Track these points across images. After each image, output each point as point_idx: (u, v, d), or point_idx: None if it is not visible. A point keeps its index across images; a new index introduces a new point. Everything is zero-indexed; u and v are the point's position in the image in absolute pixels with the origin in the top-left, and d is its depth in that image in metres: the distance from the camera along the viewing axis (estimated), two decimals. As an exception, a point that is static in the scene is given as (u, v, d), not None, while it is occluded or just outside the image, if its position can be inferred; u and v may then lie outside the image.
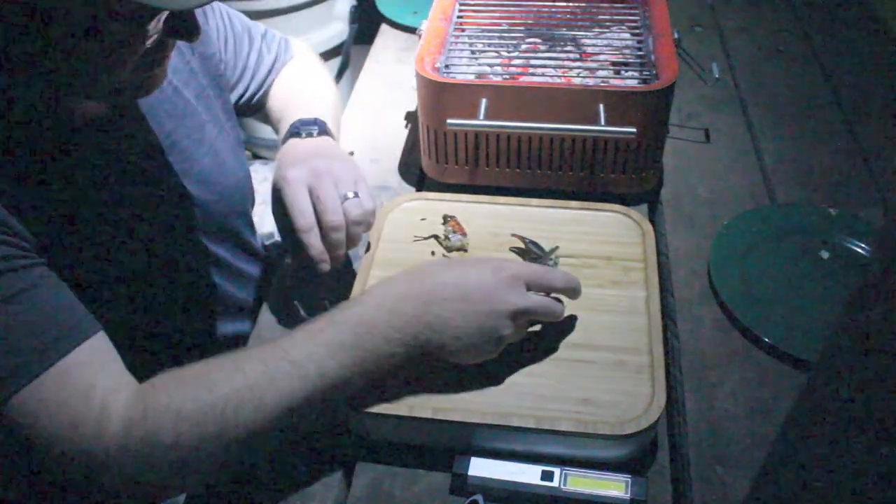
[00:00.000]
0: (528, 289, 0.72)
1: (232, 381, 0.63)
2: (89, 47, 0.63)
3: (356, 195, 0.80)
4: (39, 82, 0.67)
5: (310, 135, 0.88)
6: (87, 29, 0.61)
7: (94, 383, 0.63)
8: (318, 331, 0.66)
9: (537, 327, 0.78)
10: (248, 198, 0.99)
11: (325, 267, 0.79)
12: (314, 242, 0.78)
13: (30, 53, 0.63)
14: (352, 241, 0.81)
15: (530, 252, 0.86)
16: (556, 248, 0.86)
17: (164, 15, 0.65)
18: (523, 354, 0.76)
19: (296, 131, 0.89)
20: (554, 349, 0.77)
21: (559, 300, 0.75)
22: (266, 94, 1.02)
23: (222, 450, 0.63)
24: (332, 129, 0.92)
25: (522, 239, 0.87)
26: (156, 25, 0.65)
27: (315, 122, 0.90)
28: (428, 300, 0.68)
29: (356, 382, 0.67)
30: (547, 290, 0.74)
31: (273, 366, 0.64)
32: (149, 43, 0.65)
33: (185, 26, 0.67)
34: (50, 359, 0.62)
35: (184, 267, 0.87)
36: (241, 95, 0.99)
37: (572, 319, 0.79)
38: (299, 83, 1.03)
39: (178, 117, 0.84)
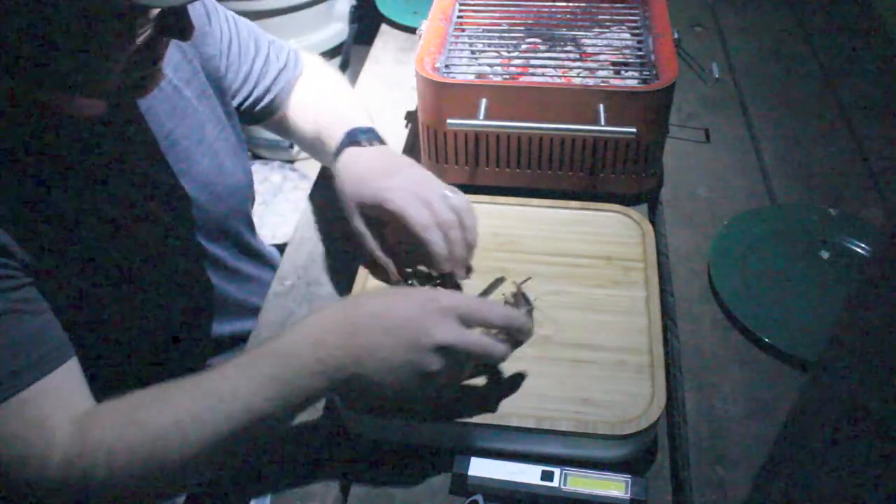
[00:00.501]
0: (464, 323, 0.66)
1: (160, 418, 0.64)
2: (76, 44, 0.62)
3: (452, 192, 0.81)
4: (28, 80, 0.67)
5: (370, 142, 0.87)
6: (74, 25, 0.61)
7: (49, 415, 0.65)
8: (246, 364, 0.66)
9: (478, 379, 0.74)
10: (249, 199, 0.99)
11: (448, 267, 0.78)
12: (437, 239, 0.77)
13: (16, 51, 0.62)
14: (472, 235, 0.81)
15: (515, 300, 0.74)
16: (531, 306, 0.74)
17: (155, 12, 0.64)
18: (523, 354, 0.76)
19: (355, 139, 0.88)
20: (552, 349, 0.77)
21: (512, 341, 0.69)
22: (275, 102, 1.00)
23: (153, 483, 0.65)
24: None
25: (519, 287, 0.76)
26: (144, 23, 0.64)
27: (371, 130, 0.90)
28: (353, 331, 0.65)
29: (282, 415, 0.66)
30: (483, 326, 0.67)
31: (200, 402, 0.64)
32: (139, 40, 0.65)
33: (177, 24, 0.66)
34: (10, 390, 0.63)
35: (182, 267, 0.87)
36: (245, 100, 0.98)
37: (519, 378, 0.74)
38: (331, 95, 1.01)
39: (178, 117, 0.84)
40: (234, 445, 0.66)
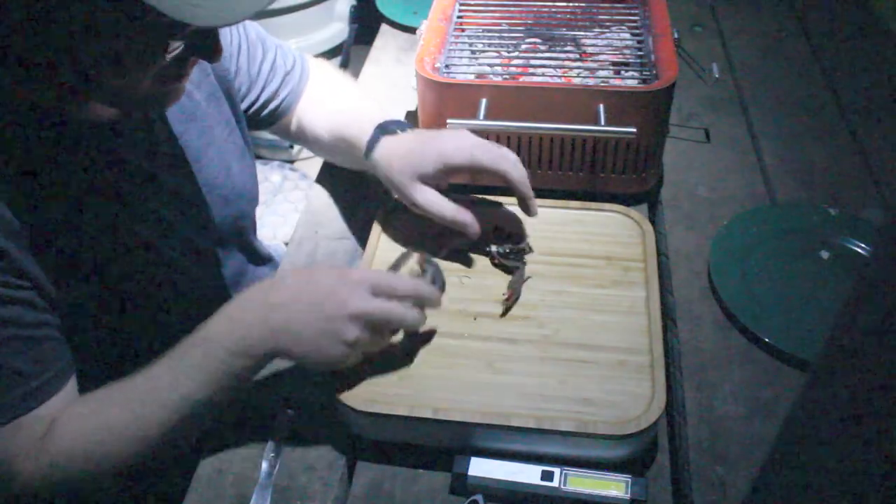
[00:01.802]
0: (375, 295, 0.70)
1: (121, 418, 0.70)
2: (110, 56, 0.63)
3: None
4: (54, 86, 0.68)
5: (403, 130, 0.89)
6: (111, 38, 0.62)
7: (40, 437, 0.69)
8: (180, 354, 0.70)
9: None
10: (255, 201, 0.99)
11: (527, 190, 0.83)
12: (510, 167, 0.82)
13: (49, 57, 0.63)
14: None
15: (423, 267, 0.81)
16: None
17: (188, 31, 0.65)
18: (524, 353, 0.76)
19: (389, 130, 0.89)
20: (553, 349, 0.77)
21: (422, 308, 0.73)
22: (282, 106, 1.00)
23: (127, 467, 0.72)
24: None
25: (422, 257, 0.83)
26: (177, 40, 0.65)
27: (400, 120, 0.91)
28: (269, 305, 0.69)
29: (218, 397, 0.70)
30: (391, 295, 0.71)
31: (147, 398, 0.70)
32: (169, 57, 0.65)
33: (207, 45, 0.68)
34: (7, 417, 0.68)
35: (188, 269, 0.87)
36: (253, 104, 0.98)
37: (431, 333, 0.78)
38: (348, 99, 1.01)
39: (188, 119, 0.84)
40: (185, 429, 0.72)
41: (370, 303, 0.69)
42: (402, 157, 0.85)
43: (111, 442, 0.70)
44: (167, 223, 0.82)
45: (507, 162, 0.82)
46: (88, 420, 0.70)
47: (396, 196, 0.88)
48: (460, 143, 0.83)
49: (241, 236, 0.97)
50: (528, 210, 0.85)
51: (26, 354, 0.68)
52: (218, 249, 0.92)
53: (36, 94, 0.69)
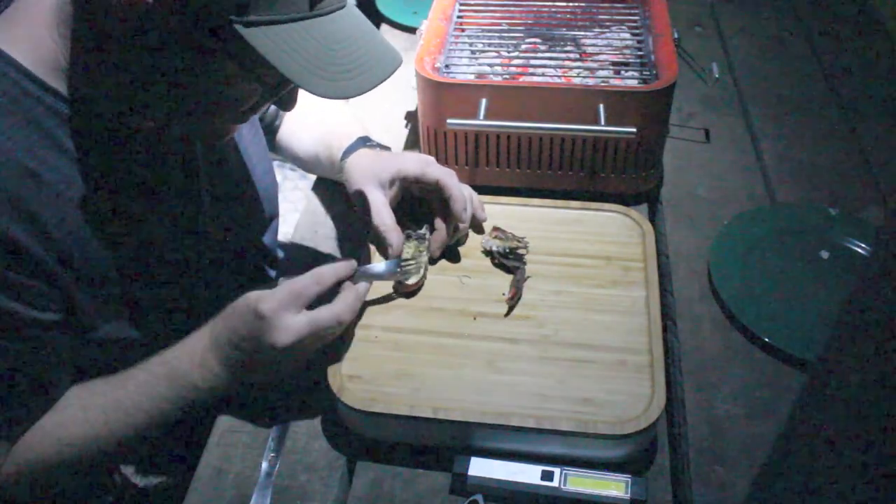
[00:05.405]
0: (305, 306, 0.71)
1: (85, 439, 0.74)
2: (214, 98, 0.67)
3: None
4: (152, 115, 0.70)
5: (381, 147, 0.93)
6: (225, 87, 0.66)
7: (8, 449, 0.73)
8: (145, 383, 0.74)
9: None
10: (275, 201, 1.00)
11: (464, 216, 0.86)
12: (455, 184, 0.85)
13: (171, 94, 0.66)
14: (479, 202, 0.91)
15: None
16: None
17: (288, 88, 0.69)
18: (523, 353, 0.76)
19: (369, 143, 0.93)
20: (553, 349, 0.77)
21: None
22: (281, 116, 1.02)
23: (87, 472, 0.79)
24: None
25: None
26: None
27: (378, 142, 0.95)
28: (224, 358, 0.73)
29: (177, 414, 0.75)
30: (309, 299, 0.72)
31: (112, 415, 0.74)
32: (248, 104, 0.69)
33: (289, 98, 0.71)
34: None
35: (208, 269, 0.87)
36: (264, 112, 1.00)
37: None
38: (330, 112, 1.02)
39: None
40: (140, 441, 0.76)
41: (297, 328, 0.70)
42: (367, 163, 0.88)
43: (71, 456, 0.74)
44: (189, 222, 0.83)
45: (452, 180, 0.84)
46: (51, 435, 0.73)
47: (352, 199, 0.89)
48: (419, 158, 0.87)
49: (260, 236, 0.98)
50: (452, 226, 0.86)
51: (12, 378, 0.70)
52: (236, 248, 0.92)
53: (131, 116, 0.71)
